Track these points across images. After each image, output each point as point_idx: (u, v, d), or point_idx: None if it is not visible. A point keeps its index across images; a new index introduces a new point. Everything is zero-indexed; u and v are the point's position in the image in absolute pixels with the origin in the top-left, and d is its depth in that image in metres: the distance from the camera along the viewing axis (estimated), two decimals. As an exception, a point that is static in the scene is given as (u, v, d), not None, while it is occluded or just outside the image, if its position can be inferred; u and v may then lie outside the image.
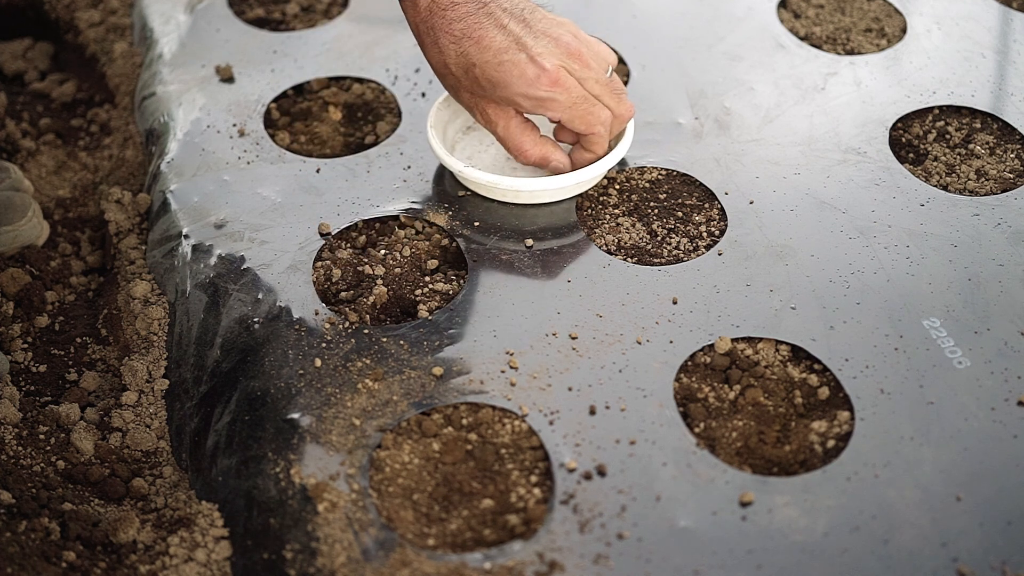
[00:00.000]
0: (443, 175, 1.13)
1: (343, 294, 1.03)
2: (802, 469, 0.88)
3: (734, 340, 0.96)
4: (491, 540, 0.85)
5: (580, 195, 1.10)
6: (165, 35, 1.36)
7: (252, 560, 0.86)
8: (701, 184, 1.11)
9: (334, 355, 0.96)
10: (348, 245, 1.08)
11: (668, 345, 0.96)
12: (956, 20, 1.30)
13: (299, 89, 1.27)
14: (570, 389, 0.93)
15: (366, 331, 0.98)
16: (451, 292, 1.02)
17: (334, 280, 1.04)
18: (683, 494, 0.86)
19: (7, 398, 1.02)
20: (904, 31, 1.30)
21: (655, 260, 1.04)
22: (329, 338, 0.98)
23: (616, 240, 1.06)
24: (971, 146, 1.15)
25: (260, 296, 1.03)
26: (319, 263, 1.06)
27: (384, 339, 0.97)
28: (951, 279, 1.01)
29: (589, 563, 0.82)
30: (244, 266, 1.06)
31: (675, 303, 1.00)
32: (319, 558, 0.83)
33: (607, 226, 1.08)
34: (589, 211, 1.10)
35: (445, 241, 1.07)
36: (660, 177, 1.12)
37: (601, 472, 0.87)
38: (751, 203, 1.09)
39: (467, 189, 1.11)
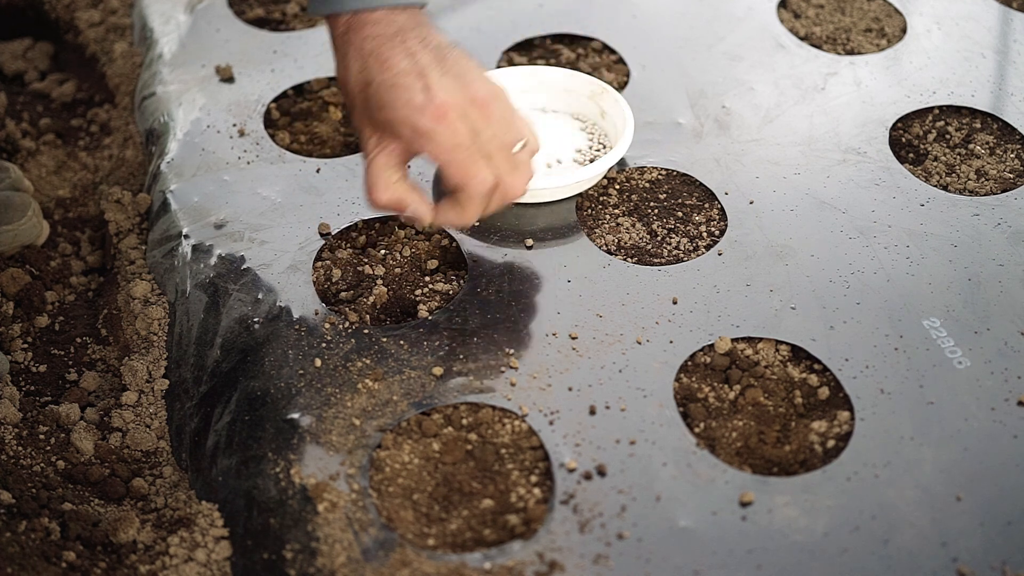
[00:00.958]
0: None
1: (343, 294, 1.03)
2: (802, 469, 0.88)
3: (734, 340, 0.96)
4: (491, 540, 0.85)
5: (580, 195, 1.10)
6: (165, 35, 1.36)
7: (252, 560, 0.86)
8: (701, 184, 1.11)
9: (334, 355, 0.96)
10: (348, 245, 1.08)
11: (668, 345, 0.96)
12: (956, 20, 1.30)
13: (299, 89, 1.27)
14: (570, 389, 0.93)
15: (366, 331, 0.98)
16: (451, 292, 1.02)
17: (334, 280, 1.04)
18: (683, 494, 0.86)
19: (7, 398, 1.02)
20: (904, 31, 1.30)
21: (655, 260, 1.04)
22: (329, 338, 0.98)
23: (616, 240, 1.06)
24: (971, 146, 1.15)
25: (260, 296, 1.03)
26: (319, 263, 1.06)
27: (384, 339, 0.97)
28: (951, 279, 1.01)
29: (589, 563, 0.82)
30: (244, 266, 1.06)
31: (675, 303, 1.00)
32: (319, 558, 0.83)
33: (607, 226, 1.08)
34: (589, 211, 1.10)
35: (445, 241, 1.07)
36: (660, 177, 1.12)
37: (601, 472, 0.87)
38: (751, 203, 1.09)
39: (467, 189, 1.11)
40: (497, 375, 0.94)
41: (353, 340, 0.97)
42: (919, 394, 0.92)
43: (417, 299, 1.02)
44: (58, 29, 1.52)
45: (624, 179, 1.12)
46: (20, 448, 0.97)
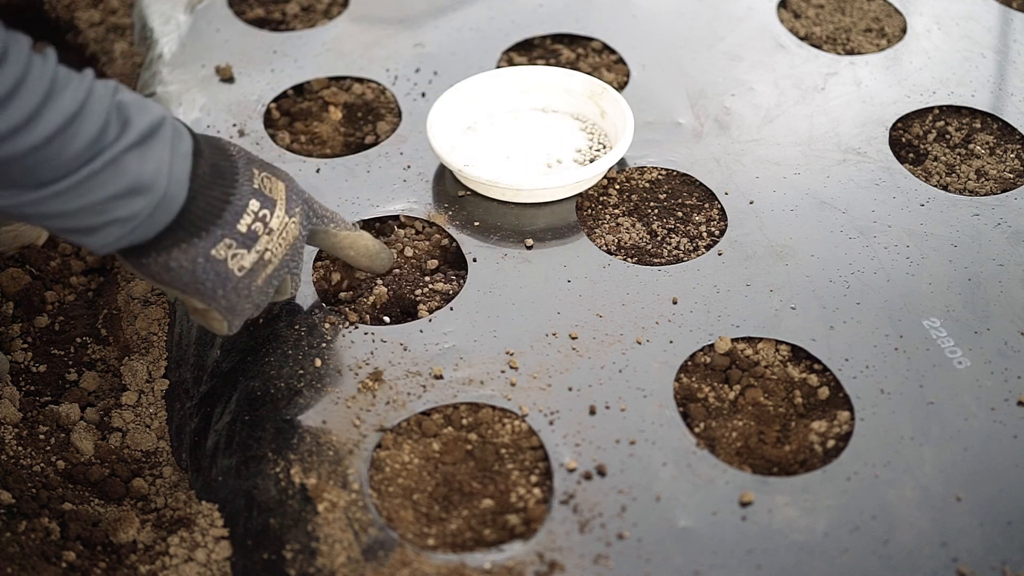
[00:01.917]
0: (443, 175, 1.13)
1: (343, 294, 1.03)
2: (802, 469, 0.88)
3: (734, 340, 0.96)
4: (491, 540, 0.85)
5: (580, 195, 1.10)
6: (165, 35, 1.36)
7: (252, 560, 0.86)
8: (701, 184, 1.11)
9: (334, 355, 0.96)
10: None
11: (668, 345, 0.96)
12: (956, 20, 1.30)
13: (299, 89, 1.27)
14: (570, 389, 0.93)
15: (366, 331, 0.98)
16: (451, 292, 1.02)
17: (334, 280, 1.04)
18: (683, 494, 0.86)
19: (7, 398, 1.02)
20: (904, 31, 1.30)
21: (655, 260, 1.04)
22: (329, 338, 0.98)
23: (616, 240, 1.06)
24: (971, 146, 1.15)
25: (260, 296, 1.03)
26: (319, 263, 1.06)
27: (384, 339, 0.97)
28: (951, 279, 1.01)
29: (589, 563, 0.82)
30: (244, 266, 1.06)
31: (675, 303, 0.99)
32: (319, 558, 0.83)
33: (607, 226, 1.08)
34: (589, 211, 1.10)
35: (445, 241, 1.07)
36: (660, 177, 1.12)
37: (601, 472, 0.87)
38: (751, 203, 1.09)
39: (467, 189, 1.11)
40: (497, 375, 0.94)
41: (353, 340, 0.97)
42: (919, 394, 0.92)
43: (417, 299, 1.02)
44: (58, 29, 1.52)
45: (624, 179, 1.12)
46: (20, 448, 0.97)
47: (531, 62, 1.28)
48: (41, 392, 1.06)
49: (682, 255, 1.05)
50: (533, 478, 0.88)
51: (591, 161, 1.13)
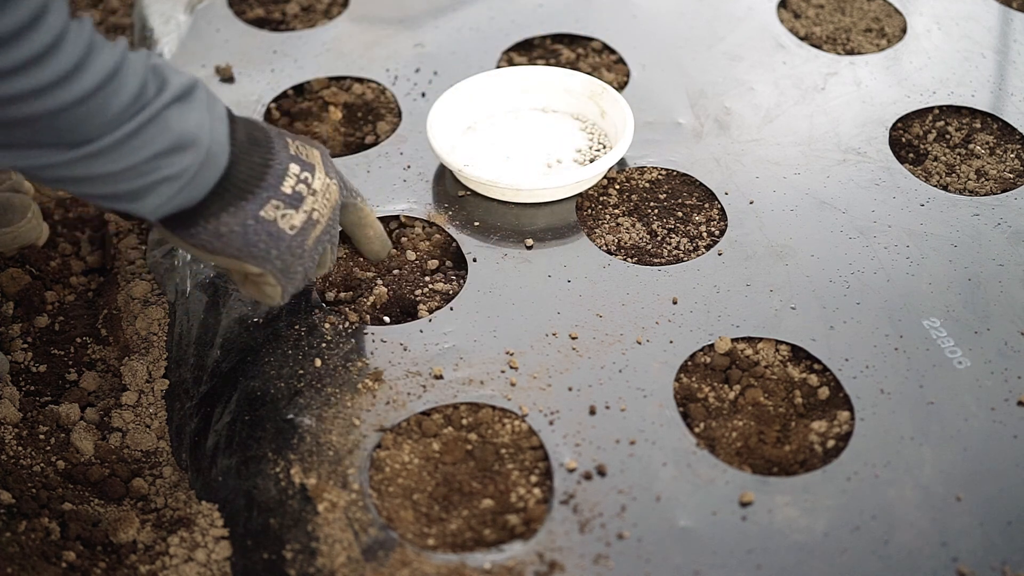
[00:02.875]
0: (443, 175, 1.13)
1: (343, 294, 1.03)
2: (802, 469, 0.88)
3: (734, 340, 0.96)
4: (491, 540, 0.85)
5: (580, 195, 1.10)
6: (165, 35, 1.36)
7: (252, 560, 0.86)
8: (701, 184, 1.11)
9: (334, 355, 0.96)
10: (348, 245, 1.08)
11: (668, 345, 0.96)
12: (956, 20, 1.30)
13: (299, 89, 1.27)
14: (570, 389, 0.93)
15: (366, 331, 0.98)
16: (451, 292, 1.02)
17: (334, 280, 1.04)
18: (683, 494, 0.86)
19: (7, 398, 1.02)
20: (904, 31, 1.30)
21: (655, 260, 1.04)
22: (329, 338, 0.98)
23: (616, 240, 1.06)
24: (971, 146, 1.15)
25: (260, 296, 1.03)
26: (319, 263, 1.06)
27: (384, 339, 0.97)
28: (951, 279, 1.01)
29: (589, 563, 0.82)
30: (244, 266, 1.06)
31: (675, 303, 0.99)
32: (319, 558, 0.83)
33: (607, 226, 1.08)
34: (589, 211, 1.10)
35: (445, 241, 1.07)
36: (660, 177, 1.12)
37: (601, 472, 0.87)
38: (751, 203, 1.09)
39: (467, 189, 1.11)
40: (497, 375, 0.94)
41: (353, 340, 0.97)
42: (919, 394, 0.92)
43: (417, 299, 1.02)
44: (58, 29, 1.52)
45: (624, 179, 1.12)
46: (20, 448, 0.97)
47: (531, 62, 1.28)
48: (41, 392, 1.06)
49: (682, 255, 1.05)
50: (533, 478, 0.88)
51: (591, 161, 1.13)
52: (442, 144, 1.11)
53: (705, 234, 1.07)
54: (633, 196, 1.11)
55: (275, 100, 1.25)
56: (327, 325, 0.99)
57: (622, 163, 1.13)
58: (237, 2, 1.41)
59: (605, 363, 0.95)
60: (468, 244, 1.06)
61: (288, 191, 0.85)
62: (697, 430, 0.91)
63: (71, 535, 0.90)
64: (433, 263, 1.05)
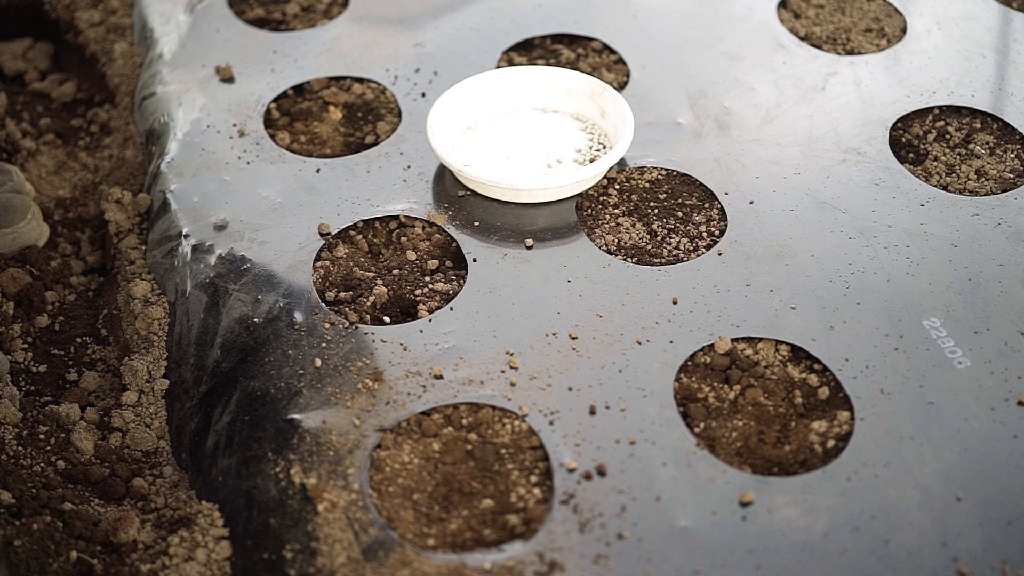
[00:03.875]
0: (443, 175, 1.13)
1: (343, 294, 1.03)
2: (802, 469, 0.88)
3: (734, 340, 0.96)
4: (491, 540, 0.85)
5: (580, 195, 1.10)
6: (165, 35, 1.36)
7: (252, 560, 0.86)
8: (701, 184, 1.11)
9: (334, 355, 0.96)
10: (348, 245, 1.08)
11: (668, 345, 0.96)
12: (956, 20, 1.30)
13: (299, 89, 1.27)
14: (570, 389, 0.93)
15: (366, 331, 0.98)
16: (451, 292, 1.02)
17: (334, 280, 1.04)
18: (683, 494, 0.86)
19: (7, 398, 1.02)
20: (904, 31, 1.29)
21: (655, 260, 1.04)
22: (329, 338, 0.98)
23: (616, 240, 1.06)
24: (971, 146, 1.15)
25: (260, 296, 1.03)
26: (319, 263, 1.06)
27: (384, 339, 0.97)
28: (951, 279, 1.01)
29: (589, 563, 0.82)
30: (244, 266, 1.06)
31: (675, 303, 0.99)
32: (319, 558, 0.83)
33: (607, 226, 1.08)
34: (589, 211, 1.10)
35: (445, 241, 1.07)
36: (660, 177, 1.12)
37: (601, 472, 0.87)
38: (751, 203, 1.09)
39: (467, 189, 1.11)
40: (497, 375, 0.94)
41: (353, 340, 0.97)
42: (919, 394, 0.92)
43: (417, 299, 1.02)
44: (58, 29, 1.52)
45: (624, 179, 1.12)
46: (20, 448, 0.97)
47: (531, 62, 1.28)
48: (41, 392, 1.06)
49: (682, 255, 1.05)
50: (533, 478, 0.88)
51: (591, 161, 1.13)
52: (442, 144, 1.11)
53: (705, 234, 1.07)
54: (633, 196, 1.11)
55: (275, 100, 1.25)
56: (327, 325, 0.99)
57: (622, 163, 1.13)
58: (237, 2, 1.40)
59: (605, 363, 0.95)
60: (468, 244, 1.06)
61: None
62: (697, 430, 0.91)
63: (72, 535, 0.90)
64: (433, 263, 1.05)
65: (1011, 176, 1.12)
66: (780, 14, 1.32)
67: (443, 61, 1.28)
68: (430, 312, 1.00)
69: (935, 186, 1.10)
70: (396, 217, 1.09)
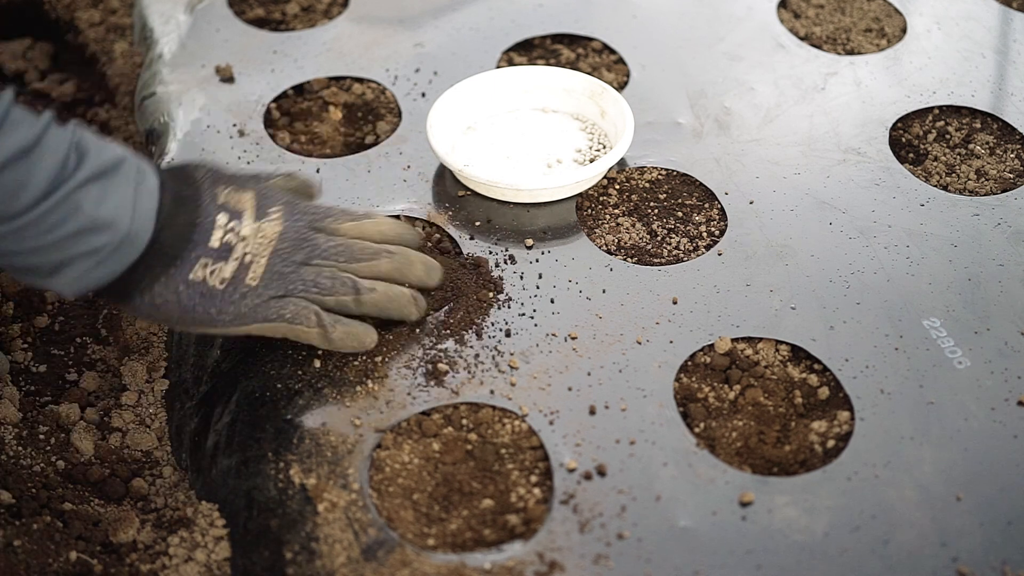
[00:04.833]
0: (443, 175, 1.13)
1: (343, 294, 1.03)
2: (802, 469, 0.88)
3: (734, 340, 0.96)
4: (491, 540, 0.85)
5: (580, 195, 1.10)
6: (165, 35, 1.36)
7: (252, 560, 0.86)
8: (701, 184, 1.11)
9: (334, 355, 0.96)
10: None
11: (668, 345, 0.96)
12: (956, 20, 1.30)
13: (299, 89, 1.27)
14: (570, 389, 0.93)
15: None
16: (451, 292, 1.02)
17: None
18: (683, 494, 0.86)
19: (7, 398, 1.02)
20: (904, 31, 1.30)
21: (655, 260, 1.04)
22: (329, 338, 0.98)
23: (616, 240, 1.06)
24: (971, 146, 1.15)
25: (260, 296, 1.02)
26: (319, 263, 1.05)
27: (384, 339, 0.97)
28: (951, 279, 1.01)
29: (589, 563, 0.82)
30: (244, 266, 1.06)
31: (675, 303, 0.99)
32: (319, 558, 0.83)
33: (607, 226, 1.08)
34: (589, 211, 1.10)
35: (445, 241, 1.07)
36: (660, 177, 1.12)
37: (601, 472, 0.87)
38: (751, 203, 1.09)
39: (467, 189, 1.11)
40: (497, 375, 0.94)
41: (353, 340, 0.97)
42: (919, 394, 0.92)
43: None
44: (58, 29, 1.52)
45: (624, 179, 1.12)
46: (20, 448, 0.97)
47: (531, 62, 1.28)
48: (41, 392, 1.06)
49: (682, 255, 1.05)
50: (533, 478, 0.88)
51: (591, 161, 1.13)
52: (442, 144, 1.11)
53: (705, 234, 1.07)
54: (633, 196, 1.11)
55: (275, 100, 1.25)
56: (327, 325, 0.99)
57: (622, 163, 1.13)
58: (237, 2, 1.41)
59: (605, 363, 0.95)
60: (468, 244, 1.06)
61: (216, 245, 0.85)
62: (697, 430, 0.91)
63: (71, 535, 0.90)
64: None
65: (1011, 176, 1.12)
66: (780, 14, 1.32)
67: (443, 61, 1.28)
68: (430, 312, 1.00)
69: (935, 186, 1.10)
70: (396, 217, 1.09)
